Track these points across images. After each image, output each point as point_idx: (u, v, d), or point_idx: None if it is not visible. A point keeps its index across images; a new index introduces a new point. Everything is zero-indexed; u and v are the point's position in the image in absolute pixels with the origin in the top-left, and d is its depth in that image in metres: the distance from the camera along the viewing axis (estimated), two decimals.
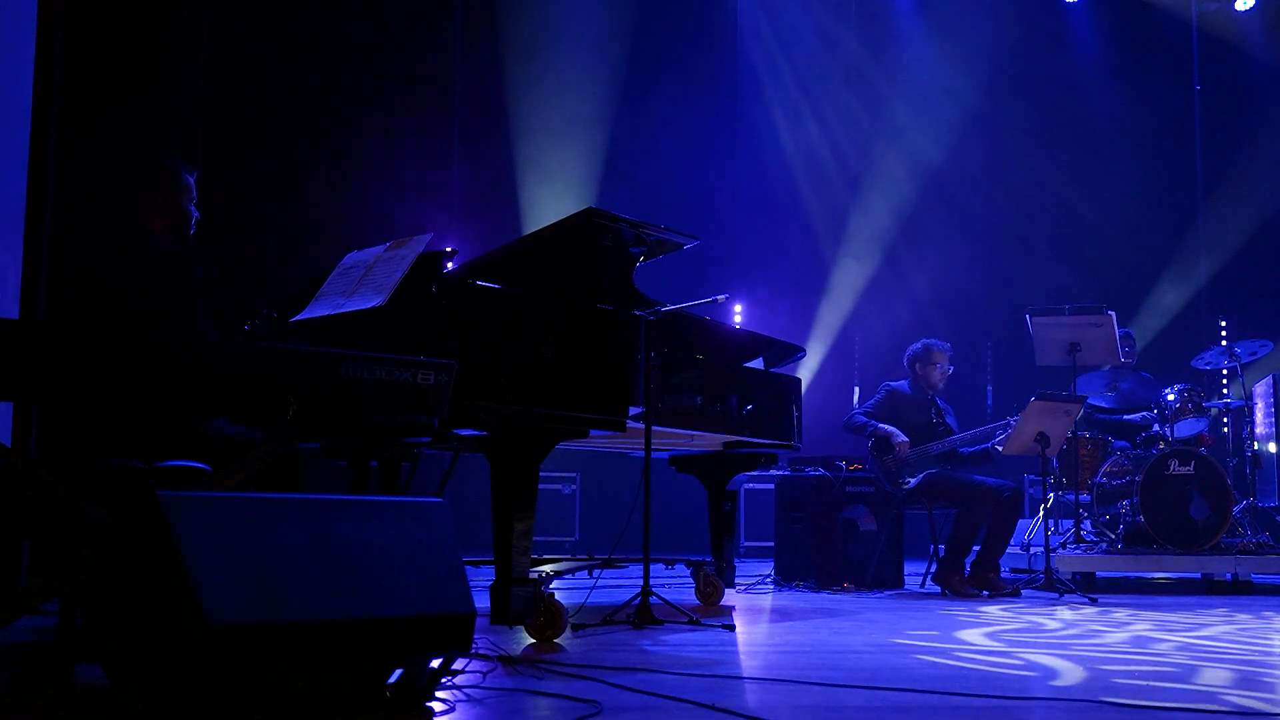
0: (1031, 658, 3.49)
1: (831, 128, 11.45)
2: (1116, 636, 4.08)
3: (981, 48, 11.28)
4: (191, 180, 3.61)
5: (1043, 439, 5.91)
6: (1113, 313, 6.58)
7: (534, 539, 3.69)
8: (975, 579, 5.94)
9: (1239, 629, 4.37)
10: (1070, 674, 3.17)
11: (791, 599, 5.71)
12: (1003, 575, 6.06)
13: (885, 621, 4.62)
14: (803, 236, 11.32)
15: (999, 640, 3.92)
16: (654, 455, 4.51)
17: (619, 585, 5.77)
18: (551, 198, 9.88)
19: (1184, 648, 3.77)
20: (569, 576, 4.89)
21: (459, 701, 2.59)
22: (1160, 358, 9.30)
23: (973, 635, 4.06)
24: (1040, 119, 11.35)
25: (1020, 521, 6.38)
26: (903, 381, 6.54)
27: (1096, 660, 3.44)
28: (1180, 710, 2.62)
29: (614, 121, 10.37)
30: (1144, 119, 11.25)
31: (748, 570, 7.06)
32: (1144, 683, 3.01)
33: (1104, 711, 2.60)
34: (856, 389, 11.07)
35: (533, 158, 10.11)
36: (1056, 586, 5.77)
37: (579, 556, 5.28)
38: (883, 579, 6.33)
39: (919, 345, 6.55)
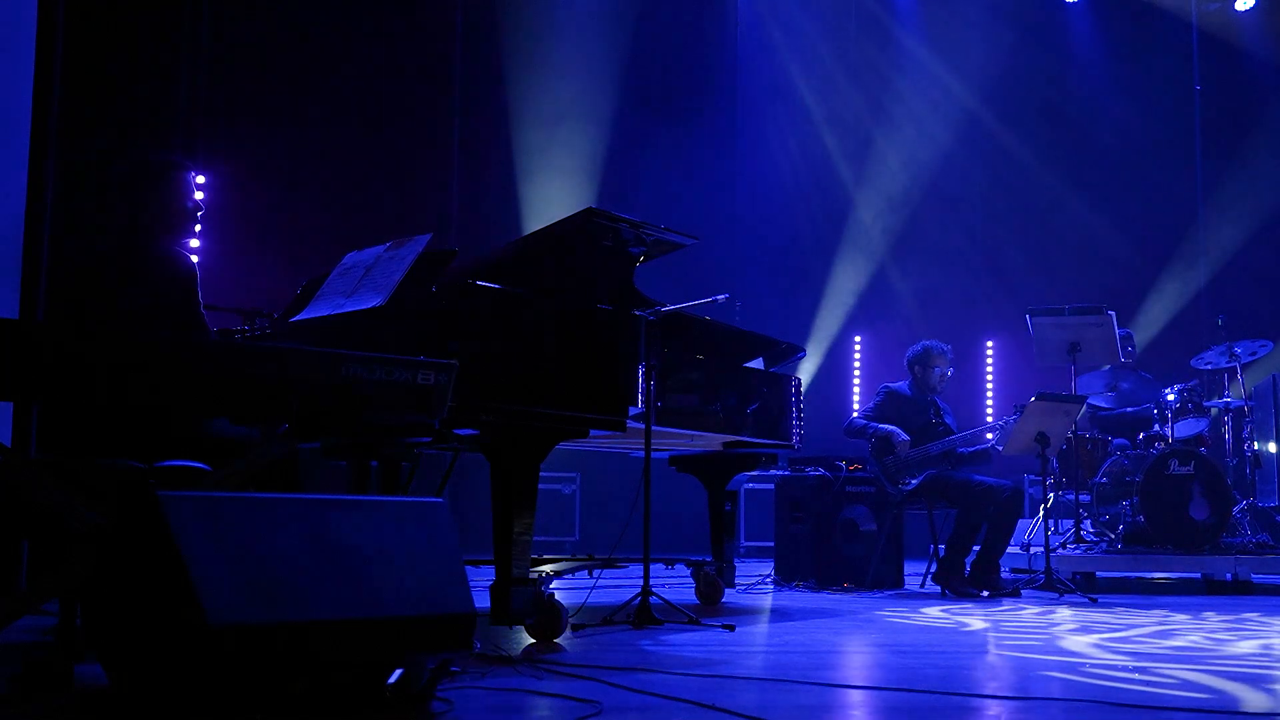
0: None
1: (831, 127, 11.45)
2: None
3: (981, 48, 11.28)
4: (190, 177, 3.61)
5: (1043, 439, 5.91)
6: (1113, 313, 6.58)
7: (534, 539, 3.69)
8: (975, 579, 5.94)
9: None
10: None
11: (791, 599, 5.71)
12: (1003, 575, 6.06)
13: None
14: (803, 236, 11.32)
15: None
16: (654, 455, 4.50)
17: (619, 585, 5.77)
18: (552, 197, 9.88)
19: None
20: (569, 576, 4.89)
21: (459, 701, 2.59)
22: (1160, 358, 9.30)
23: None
24: (1040, 119, 11.36)
25: (1020, 521, 6.37)
26: (902, 383, 6.54)
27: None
28: (1184, 712, 2.62)
29: (615, 120, 10.37)
30: (1144, 119, 11.24)
31: (748, 570, 7.06)
32: None
33: (1104, 712, 2.60)
34: (856, 389, 11.07)
35: (533, 156, 10.11)
36: (1056, 586, 5.76)
37: (579, 556, 5.28)
38: (883, 579, 6.32)
39: (919, 347, 6.55)
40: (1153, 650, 3.69)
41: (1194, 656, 3.54)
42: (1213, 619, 4.69)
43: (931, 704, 2.71)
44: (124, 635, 2.30)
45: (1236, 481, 7.25)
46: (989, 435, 6.34)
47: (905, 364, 6.58)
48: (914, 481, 6.16)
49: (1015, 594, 5.81)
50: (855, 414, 6.67)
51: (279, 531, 2.32)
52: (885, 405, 6.44)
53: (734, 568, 5.58)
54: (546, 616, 3.77)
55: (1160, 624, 4.49)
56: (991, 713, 2.63)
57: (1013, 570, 6.77)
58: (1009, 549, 6.47)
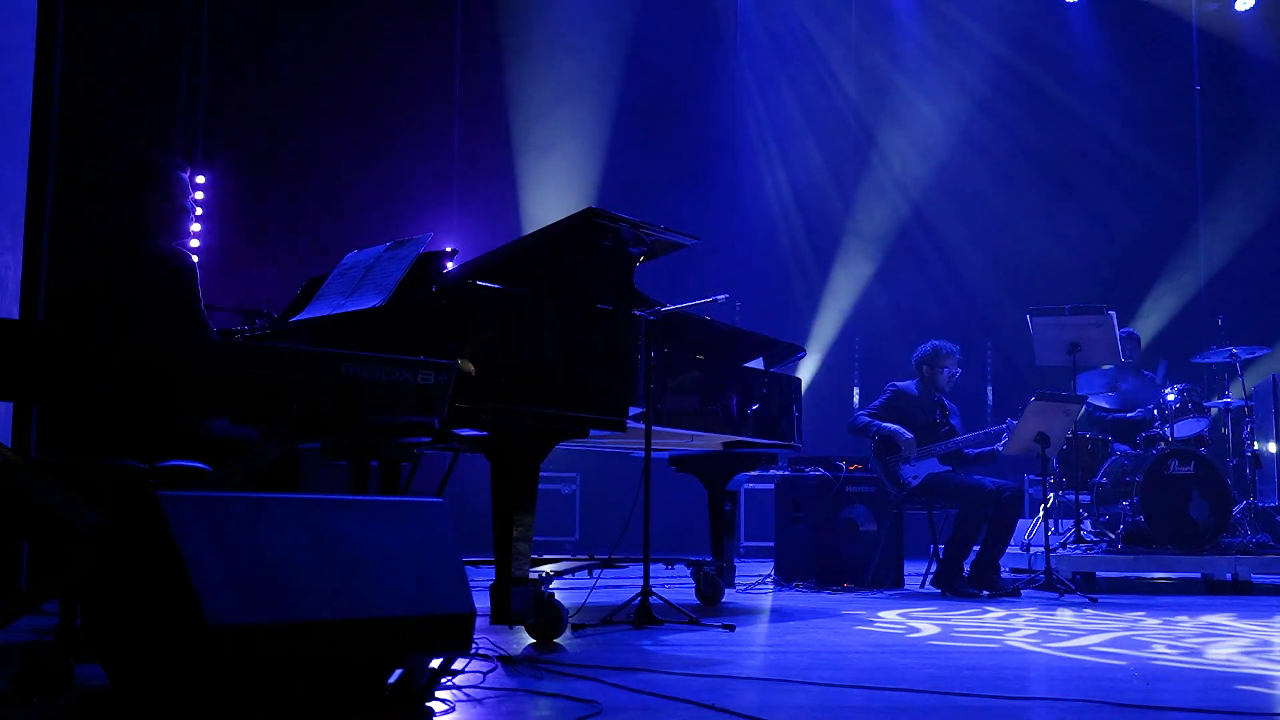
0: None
1: (832, 127, 11.46)
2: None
3: (982, 48, 11.29)
4: (186, 176, 3.60)
5: (1043, 439, 5.91)
6: (1113, 313, 6.57)
7: (534, 539, 3.69)
8: (975, 579, 5.94)
9: None
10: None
11: (791, 599, 5.71)
12: (1002, 575, 6.06)
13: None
14: (803, 237, 11.33)
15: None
16: (654, 455, 4.50)
17: (619, 585, 5.77)
18: (551, 198, 9.88)
19: None
20: (569, 576, 4.89)
21: (459, 701, 2.59)
22: (1160, 358, 9.30)
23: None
24: (1040, 119, 11.36)
25: (1020, 521, 6.36)
26: (909, 382, 6.53)
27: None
28: (1180, 711, 2.62)
29: (615, 122, 10.37)
30: (1144, 119, 11.25)
31: (748, 570, 7.06)
32: None
33: (1104, 711, 2.60)
34: (856, 389, 11.07)
35: (533, 157, 10.11)
36: (1056, 586, 5.76)
37: (579, 556, 5.28)
38: (883, 579, 6.33)
39: (928, 346, 6.53)
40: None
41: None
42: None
43: (930, 704, 2.71)
44: (124, 635, 2.30)
45: (1236, 481, 7.24)
46: (1000, 434, 6.32)
47: (913, 364, 6.56)
48: (915, 481, 6.16)
49: (1015, 594, 5.81)
50: (860, 411, 6.65)
51: (279, 531, 2.32)
52: (891, 404, 6.42)
53: (734, 568, 5.58)
54: (546, 616, 3.77)
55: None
56: (990, 712, 2.63)
57: (1013, 570, 6.77)
58: (1010, 549, 6.45)
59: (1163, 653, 3.62)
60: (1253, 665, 3.38)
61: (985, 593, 5.83)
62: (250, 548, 2.26)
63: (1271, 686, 3.03)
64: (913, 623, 4.52)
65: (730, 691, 2.80)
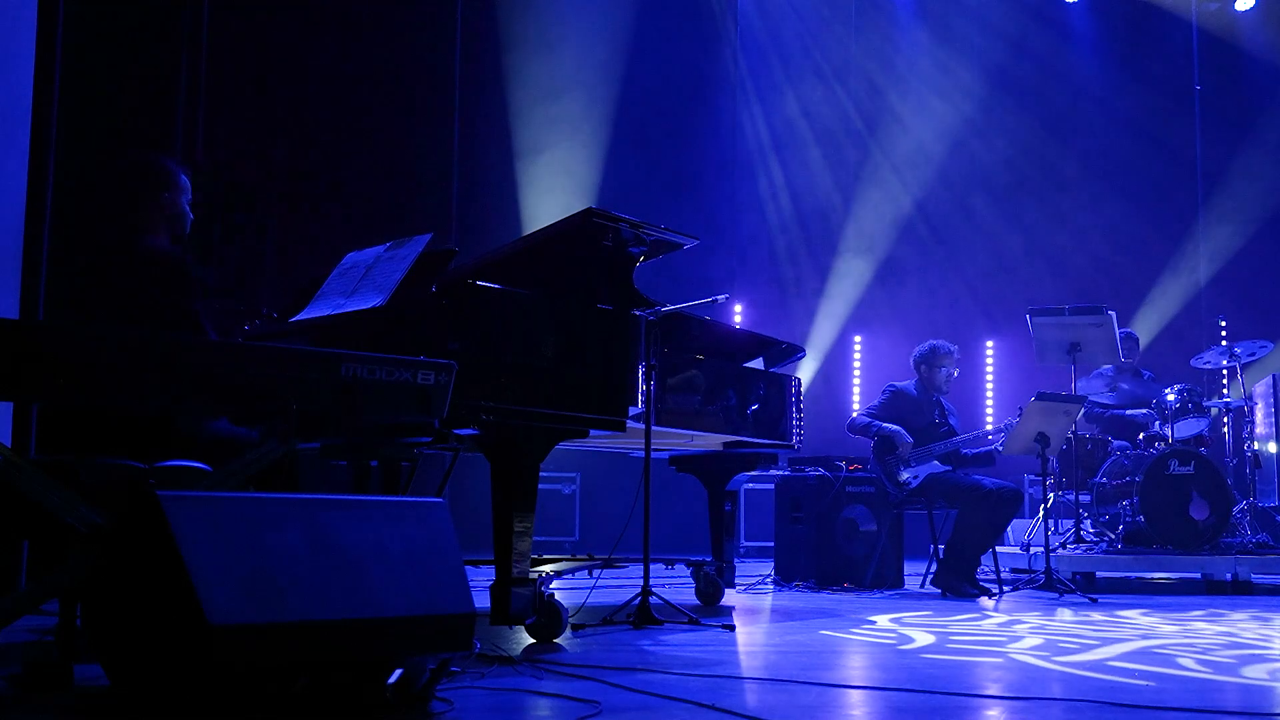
0: None
1: (831, 125, 11.45)
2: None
3: (982, 47, 11.30)
4: (188, 179, 3.61)
5: (1043, 439, 5.91)
6: (1113, 313, 6.57)
7: (534, 539, 3.69)
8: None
9: None
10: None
11: (791, 599, 5.71)
12: (1003, 575, 6.05)
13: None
14: (803, 237, 11.33)
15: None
16: (654, 455, 4.50)
17: (619, 585, 5.77)
18: (552, 198, 9.88)
19: None
20: (569, 576, 4.89)
21: (459, 701, 2.59)
22: (1160, 358, 9.31)
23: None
24: (1040, 119, 11.36)
25: (1020, 521, 6.36)
26: (909, 382, 6.53)
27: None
28: (1183, 711, 2.62)
29: (615, 120, 10.36)
30: (1144, 119, 11.25)
31: (748, 570, 7.06)
32: None
33: (1104, 711, 2.60)
34: (856, 389, 11.07)
35: (533, 157, 10.11)
36: (1056, 586, 5.76)
37: (579, 556, 5.28)
38: (883, 579, 6.33)
39: (926, 346, 6.53)
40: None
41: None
42: (1207, 632, 4.30)
43: (931, 704, 2.71)
44: (124, 635, 2.30)
45: (1236, 481, 7.24)
46: (998, 434, 6.32)
47: (911, 363, 6.57)
48: (915, 481, 6.16)
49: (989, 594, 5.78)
50: (860, 411, 6.65)
51: (279, 531, 2.32)
52: (890, 404, 6.43)
53: (734, 568, 5.58)
54: (546, 616, 3.76)
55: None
56: (991, 712, 2.63)
57: (1013, 570, 6.77)
58: (1010, 549, 6.44)
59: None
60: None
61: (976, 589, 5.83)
62: (250, 548, 2.26)
63: None
64: (908, 630, 4.45)
65: (730, 691, 2.80)
